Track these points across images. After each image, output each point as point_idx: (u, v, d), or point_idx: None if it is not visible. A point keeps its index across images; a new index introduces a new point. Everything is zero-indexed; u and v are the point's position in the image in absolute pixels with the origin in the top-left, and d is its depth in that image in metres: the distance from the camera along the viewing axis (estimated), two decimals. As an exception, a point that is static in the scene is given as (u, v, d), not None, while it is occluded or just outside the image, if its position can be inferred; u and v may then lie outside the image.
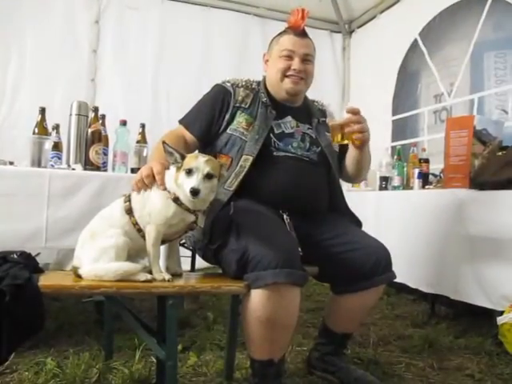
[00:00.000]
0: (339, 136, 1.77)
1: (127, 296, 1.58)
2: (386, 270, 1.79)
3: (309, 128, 1.95)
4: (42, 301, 1.33)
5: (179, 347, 2.08)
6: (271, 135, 1.85)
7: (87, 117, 2.56)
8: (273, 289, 1.47)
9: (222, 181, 1.57)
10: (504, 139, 2.65)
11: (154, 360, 1.91)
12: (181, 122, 1.91)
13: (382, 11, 4.64)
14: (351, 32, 5.21)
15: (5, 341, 1.28)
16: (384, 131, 4.47)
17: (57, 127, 2.59)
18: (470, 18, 3.65)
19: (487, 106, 3.52)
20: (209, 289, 1.54)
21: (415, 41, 4.18)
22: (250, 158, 1.77)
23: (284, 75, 1.87)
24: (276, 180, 1.80)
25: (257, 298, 1.49)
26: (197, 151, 1.84)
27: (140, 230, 1.50)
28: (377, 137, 4.21)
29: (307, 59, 1.87)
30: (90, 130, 2.48)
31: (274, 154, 1.84)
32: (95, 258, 1.44)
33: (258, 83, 1.98)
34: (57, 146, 2.51)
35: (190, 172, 1.43)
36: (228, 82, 1.93)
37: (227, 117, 1.86)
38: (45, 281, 1.40)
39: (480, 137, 2.60)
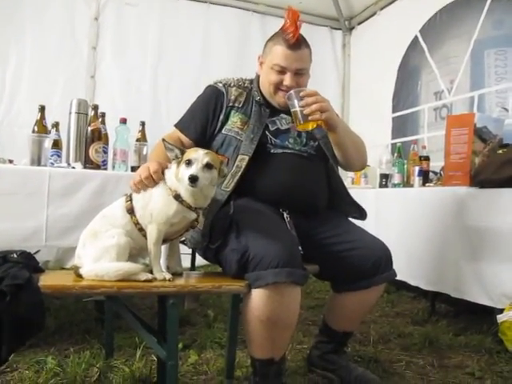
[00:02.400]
0: (301, 121, 1.69)
1: (128, 295, 1.58)
2: (386, 268, 1.79)
3: None
4: (42, 301, 1.32)
5: (180, 345, 2.09)
6: (267, 132, 1.85)
7: (87, 115, 2.56)
8: (273, 288, 1.47)
9: (222, 175, 1.57)
10: (504, 137, 2.64)
11: (155, 358, 1.91)
12: (176, 125, 1.91)
13: (382, 8, 4.63)
14: (351, 29, 5.19)
15: (5, 341, 1.27)
16: (384, 128, 4.47)
17: (56, 125, 2.59)
18: (470, 15, 3.64)
19: (487, 103, 3.51)
20: (209, 288, 1.53)
21: (415, 38, 4.17)
22: (246, 158, 1.76)
23: (276, 88, 1.84)
24: (275, 178, 1.79)
25: (257, 297, 1.49)
26: None
27: (141, 230, 1.50)
28: (377, 134, 4.30)
29: (300, 73, 1.81)
30: (89, 129, 2.47)
31: (272, 151, 1.84)
32: (96, 257, 1.44)
33: (251, 81, 1.96)
34: (56, 144, 2.51)
35: (189, 163, 1.45)
36: (220, 82, 1.93)
37: (221, 117, 1.85)
38: (45, 281, 1.40)
39: (480, 135, 2.59)
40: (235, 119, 1.85)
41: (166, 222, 1.48)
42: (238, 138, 1.81)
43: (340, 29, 5.20)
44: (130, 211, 1.51)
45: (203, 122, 1.86)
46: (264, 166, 1.79)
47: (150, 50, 4.49)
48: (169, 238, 1.57)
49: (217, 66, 4.46)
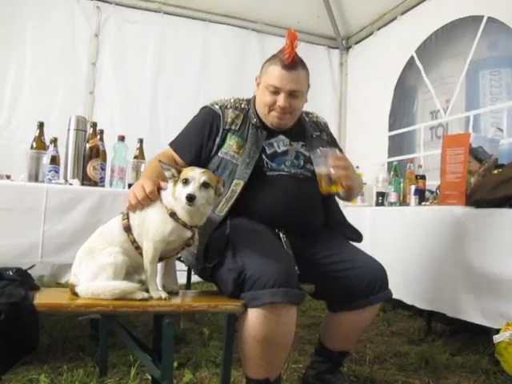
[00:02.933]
0: (326, 183, 1.75)
1: (124, 314, 1.57)
2: (381, 288, 1.79)
3: (303, 145, 1.94)
4: (37, 319, 1.32)
5: (174, 364, 2.06)
6: (263, 156, 1.85)
7: (85, 132, 2.56)
8: (270, 308, 1.47)
9: (218, 193, 1.57)
10: (499, 157, 2.67)
11: (149, 377, 1.89)
12: (171, 145, 1.91)
13: (379, 28, 4.69)
14: (348, 48, 5.25)
15: (-1, 360, 1.27)
16: (380, 147, 4.49)
17: (55, 140, 2.59)
18: (465, 36, 3.69)
19: (483, 123, 3.54)
20: (205, 308, 1.54)
21: (412, 58, 4.22)
22: (242, 183, 1.76)
23: (270, 109, 1.84)
24: (270, 199, 1.80)
25: (254, 317, 1.49)
26: None
27: (138, 248, 1.50)
28: (373, 152, 4.32)
29: (294, 94, 1.81)
30: (88, 145, 2.48)
31: (268, 173, 1.84)
32: (93, 275, 1.44)
33: (248, 102, 1.96)
34: (54, 160, 2.51)
35: (186, 182, 1.46)
36: (216, 103, 1.92)
37: (217, 140, 1.85)
38: (41, 299, 1.40)
39: (476, 154, 2.62)
40: (231, 142, 1.85)
41: (162, 240, 1.49)
42: (234, 161, 1.81)
43: (337, 48, 5.25)
44: (127, 229, 1.51)
45: (197, 145, 1.86)
46: (259, 187, 1.79)
47: (149, 67, 4.52)
48: (165, 256, 1.57)
49: (215, 83, 4.50)
